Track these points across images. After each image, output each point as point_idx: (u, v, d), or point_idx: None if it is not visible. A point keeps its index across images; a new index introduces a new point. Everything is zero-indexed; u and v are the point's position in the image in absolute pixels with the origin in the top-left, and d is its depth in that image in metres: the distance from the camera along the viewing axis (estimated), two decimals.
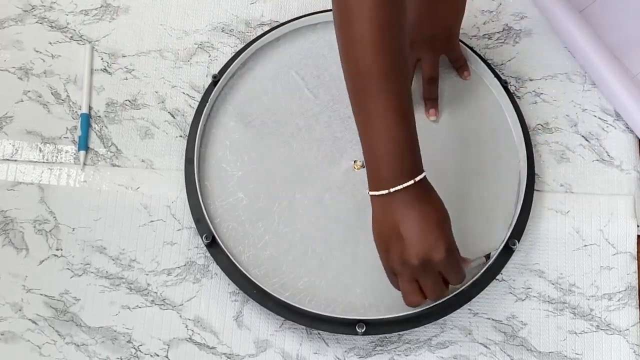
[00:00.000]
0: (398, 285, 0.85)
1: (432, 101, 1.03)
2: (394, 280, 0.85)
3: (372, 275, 0.95)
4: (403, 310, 0.91)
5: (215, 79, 1.03)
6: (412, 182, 0.80)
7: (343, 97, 1.04)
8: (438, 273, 0.83)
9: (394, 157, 0.80)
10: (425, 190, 0.82)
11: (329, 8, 1.08)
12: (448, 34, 1.00)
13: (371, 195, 0.82)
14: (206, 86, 1.06)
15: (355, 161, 1.00)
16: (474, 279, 0.93)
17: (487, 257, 0.93)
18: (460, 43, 1.04)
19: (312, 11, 1.08)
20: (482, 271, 0.93)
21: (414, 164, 0.81)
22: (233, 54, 1.07)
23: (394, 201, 0.80)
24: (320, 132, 1.02)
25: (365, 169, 0.98)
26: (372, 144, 0.80)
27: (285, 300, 0.92)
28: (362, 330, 0.91)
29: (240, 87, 1.05)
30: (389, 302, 0.93)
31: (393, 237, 0.81)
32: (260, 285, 0.92)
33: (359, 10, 0.78)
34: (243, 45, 1.07)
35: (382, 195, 0.80)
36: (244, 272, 0.93)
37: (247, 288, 0.94)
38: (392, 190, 0.79)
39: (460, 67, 1.05)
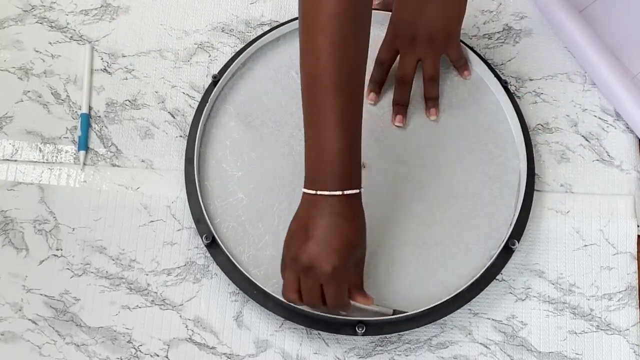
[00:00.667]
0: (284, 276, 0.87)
1: (432, 101, 1.03)
2: (283, 271, 0.87)
3: (371, 276, 0.95)
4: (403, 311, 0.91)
5: (215, 79, 1.03)
6: (339, 193, 0.82)
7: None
8: (319, 285, 0.84)
9: (330, 164, 0.82)
10: (350, 207, 0.83)
11: None
12: (448, 33, 1.00)
13: (303, 190, 0.84)
14: (206, 86, 1.06)
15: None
16: (472, 279, 0.93)
17: (395, 312, 0.92)
18: (461, 43, 1.04)
19: None
20: (387, 317, 0.92)
21: (348, 177, 0.83)
22: (233, 54, 1.07)
23: (317, 203, 0.82)
24: None
25: (364, 169, 0.98)
26: (313, 147, 0.83)
27: (285, 301, 0.92)
28: (362, 331, 0.91)
29: (240, 87, 1.05)
30: (388, 303, 0.93)
31: (301, 232, 0.83)
32: (260, 286, 0.92)
33: (320, 24, 0.80)
34: (243, 45, 1.07)
35: (309, 193, 0.83)
36: (244, 272, 0.93)
37: (247, 288, 0.94)
38: (318, 192, 0.82)
39: (460, 66, 1.05)
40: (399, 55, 1.01)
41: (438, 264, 0.96)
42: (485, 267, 0.94)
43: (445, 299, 0.92)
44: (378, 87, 1.03)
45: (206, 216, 0.96)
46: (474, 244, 0.97)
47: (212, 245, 0.96)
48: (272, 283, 0.94)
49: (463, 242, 0.97)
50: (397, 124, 1.02)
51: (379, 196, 0.98)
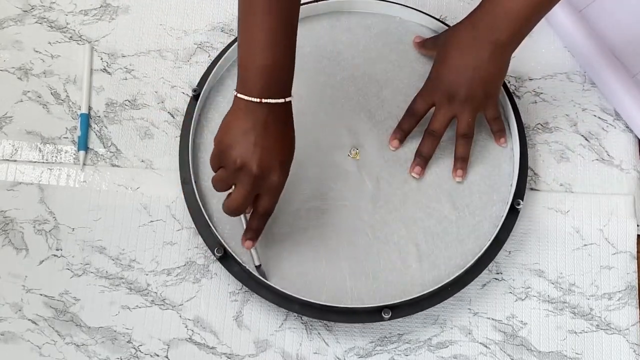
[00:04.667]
0: (214, 180, 0.89)
1: (461, 161, 1.00)
2: (215, 166, 0.89)
3: (387, 261, 0.96)
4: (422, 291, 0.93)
5: (196, 93, 1.02)
6: (282, 100, 0.85)
7: (340, 89, 1.04)
8: (253, 190, 0.87)
9: (270, 70, 0.84)
10: (288, 113, 0.88)
11: None
12: (488, 94, 0.97)
13: (239, 97, 0.85)
14: None
15: (351, 150, 1.00)
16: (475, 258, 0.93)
17: (258, 267, 0.94)
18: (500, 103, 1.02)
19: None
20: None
21: (286, 85, 0.86)
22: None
23: (259, 110, 0.85)
24: (317, 124, 1.02)
25: (360, 154, 0.98)
26: (251, 53, 0.84)
27: (324, 304, 0.92)
28: (388, 316, 0.92)
29: (220, 103, 1.04)
30: (411, 288, 0.95)
31: (246, 139, 0.85)
32: (305, 299, 0.92)
33: None
34: (217, 54, 1.06)
35: (251, 101, 0.84)
36: (279, 288, 0.93)
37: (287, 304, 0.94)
38: (263, 100, 0.84)
39: (497, 131, 1.01)
40: (433, 109, 0.99)
41: (440, 252, 0.97)
42: (477, 257, 0.94)
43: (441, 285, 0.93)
44: (404, 136, 1.01)
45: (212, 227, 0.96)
46: (467, 236, 0.97)
47: (224, 258, 0.96)
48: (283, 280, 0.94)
49: (460, 234, 0.97)
50: (414, 174, 1.00)
51: (382, 190, 0.99)
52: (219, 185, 0.89)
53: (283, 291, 0.92)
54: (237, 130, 0.85)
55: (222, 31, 1.10)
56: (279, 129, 0.86)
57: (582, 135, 1.05)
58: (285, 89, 0.86)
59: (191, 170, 0.98)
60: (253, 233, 0.92)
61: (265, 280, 0.93)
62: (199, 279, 0.98)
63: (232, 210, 0.88)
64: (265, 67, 0.84)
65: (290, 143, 0.89)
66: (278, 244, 0.97)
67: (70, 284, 0.98)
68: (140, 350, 0.96)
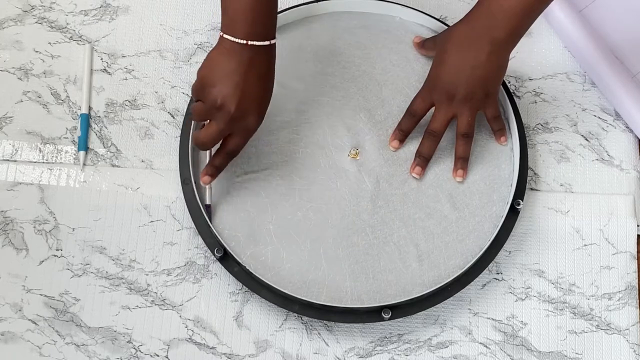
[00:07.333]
0: (193, 110, 0.92)
1: (462, 160, 0.99)
2: (195, 108, 0.91)
3: (387, 261, 0.96)
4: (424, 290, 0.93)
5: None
6: (267, 42, 0.88)
7: (340, 89, 1.04)
8: (227, 129, 0.90)
9: (255, 12, 0.86)
10: (271, 57, 0.90)
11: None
12: (487, 92, 0.96)
13: (225, 37, 0.87)
14: None
15: (351, 150, 1.00)
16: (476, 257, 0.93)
17: (208, 206, 0.97)
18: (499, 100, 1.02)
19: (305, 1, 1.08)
20: None
21: (271, 27, 0.89)
22: None
23: (244, 51, 0.87)
24: (317, 124, 1.02)
25: (360, 154, 1.01)
26: None
27: (322, 303, 0.93)
28: (388, 316, 0.92)
29: None
30: (411, 288, 0.95)
31: (229, 80, 0.87)
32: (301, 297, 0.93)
33: None
34: None
35: (237, 42, 0.86)
36: (279, 288, 0.93)
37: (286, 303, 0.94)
38: (249, 42, 0.86)
39: (497, 130, 1.01)
40: (433, 108, 0.99)
41: (440, 252, 0.97)
42: (477, 257, 0.95)
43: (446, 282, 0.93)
44: (404, 136, 1.01)
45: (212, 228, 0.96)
46: (467, 236, 0.97)
47: (224, 258, 0.96)
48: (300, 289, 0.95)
49: (460, 234, 0.97)
50: (414, 175, 1.00)
51: (382, 190, 0.99)
52: (196, 117, 0.92)
53: (283, 291, 0.93)
54: (221, 69, 0.88)
55: None
56: (261, 72, 0.89)
57: (582, 135, 1.05)
58: (270, 31, 0.88)
59: (191, 170, 0.98)
60: (215, 169, 0.95)
61: (209, 221, 0.95)
62: (199, 279, 0.98)
63: (202, 143, 0.91)
64: (251, 9, 0.86)
65: (270, 87, 0.91)
66: (278, 244, 0.97)
67: (70, 284, 0.98)
68: (140, 350, 0.96)
